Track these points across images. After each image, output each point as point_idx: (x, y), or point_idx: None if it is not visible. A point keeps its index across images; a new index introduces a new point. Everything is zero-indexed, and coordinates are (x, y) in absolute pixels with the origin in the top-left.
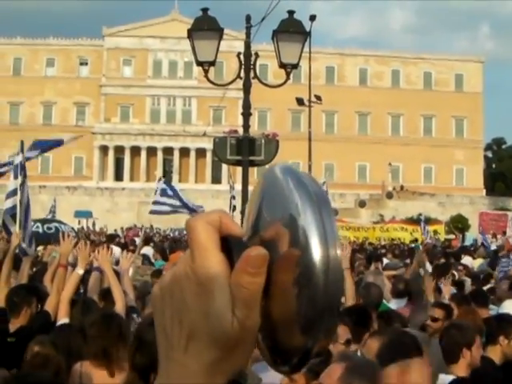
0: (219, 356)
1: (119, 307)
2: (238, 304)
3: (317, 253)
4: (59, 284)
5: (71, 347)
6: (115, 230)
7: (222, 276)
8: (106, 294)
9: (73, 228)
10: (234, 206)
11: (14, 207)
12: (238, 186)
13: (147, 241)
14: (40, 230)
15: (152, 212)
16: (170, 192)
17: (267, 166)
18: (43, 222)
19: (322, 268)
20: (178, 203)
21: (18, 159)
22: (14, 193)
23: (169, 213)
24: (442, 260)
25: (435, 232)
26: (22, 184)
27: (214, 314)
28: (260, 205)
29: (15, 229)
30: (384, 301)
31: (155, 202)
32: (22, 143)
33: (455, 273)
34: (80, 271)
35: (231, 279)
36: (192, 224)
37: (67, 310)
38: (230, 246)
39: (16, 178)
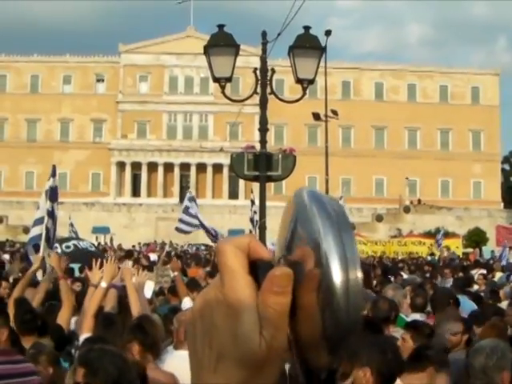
0: (247, 376)
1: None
2: (266, 324)
3: (337, 276)
4: (68, 297)
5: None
6: (133, 246)
7: (250, 298)
8: (122, 307)
9: (93, 244)
10: (257, 221)
11: (39, 237)
12: (255, 201)
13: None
14: (59, 251)
15: (177, 229)
16: (191, 211)
17: (284, 182)
18: (60, 241)
19: (343, 291)
20: (197, 222)
21: (49, 184)
22: (40, 221)
23: (189, 232)
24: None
25: (448, 247)
26: (52, 209)
27: (242, 335)
28: (290, 229)
29: (38, 256)
30: (403, 315)
31: (181, 220)
32: (54, 168)
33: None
34: (104, 285)
35: (258, 300)
36: (222, 248)
37: (91, 325)
38: (258, 270)
39: (51, 201)
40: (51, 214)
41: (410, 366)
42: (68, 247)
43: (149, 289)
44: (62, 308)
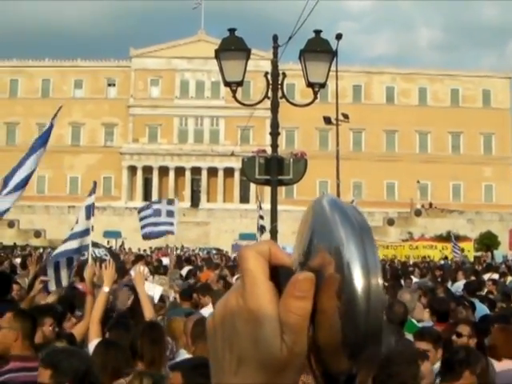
0: (268, 379)
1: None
2: (287, 330)
3: (359, 283)
4: (90, 313)
5: (107, 364)
6: (144, 250)
7: (271, 303)
8: (134, 312)
9: (108, 248)
10: (263, 226)
11: (76, 250)
12: (266, 205)
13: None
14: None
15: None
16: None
17: (295, 186)
18: None
19: (364, 297)
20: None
21: (91, 201)
22: (78, 235)
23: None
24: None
25: (463, 250)
26: (91, 226)
27: (263, 339)
28: (309, 236)
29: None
30: (413, 320)
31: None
32: (95, 184)
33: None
34: (106, 289)
35: (280, 305)
36: (244, 254)
37: (98, 331)
38: (279, 275)
39: (88, 218)
40: (88, 231)
41: (445, 376)
42: (83, 255)
43: (156, 293)
44: (81, 321)
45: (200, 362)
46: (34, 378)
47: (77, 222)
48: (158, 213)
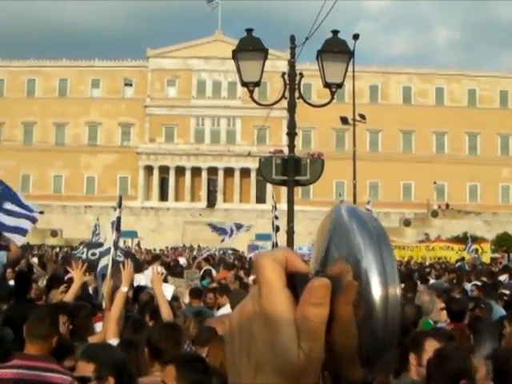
0: None
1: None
2: (304, 336)
3: (377, 291)
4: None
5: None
6: (161, 250)
7: (288, 310)
8: (154, 313)
9: (123, 252)
10: (277, 227)
11: (106, 267)
12: (282, 206)
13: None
14: (84, 256)
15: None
16: None
17: (311, 186)
18: (89, 246)
19: (382, 305)
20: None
21: (116, 215)
22: (107, 252)
23: None
24: (484, 278)
25: (478, 250)
26: (117, 240)
27: (280, 346)
28: (328, 244)
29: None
30: (429, 320)
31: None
32: (121, 198)
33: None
34: (124, 289)
35: (297, 312)
36: (260, 262)
37: (115, 330)
38: (295, 282)
39: (117, 231)
40: (115, 245)
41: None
42: (94, 254)
43: (168, 292)
44: (98, 334)
45: (194, 357)
46: (32, 377)
47: (105, 240)
48: None
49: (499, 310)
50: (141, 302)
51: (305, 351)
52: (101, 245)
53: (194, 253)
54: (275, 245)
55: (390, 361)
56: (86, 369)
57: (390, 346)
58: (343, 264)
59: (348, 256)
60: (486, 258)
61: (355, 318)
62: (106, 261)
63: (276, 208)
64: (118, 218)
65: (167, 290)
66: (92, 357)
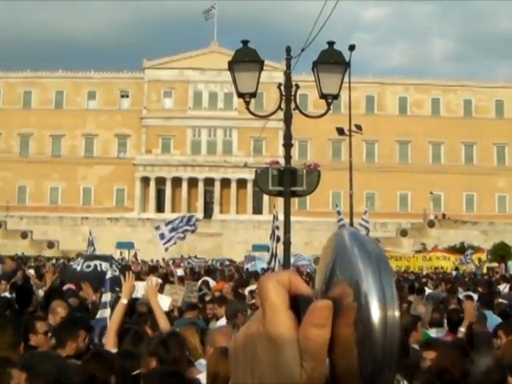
0: None
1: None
2: (306, 357)
3: (376, 315)
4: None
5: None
6: (157, 261)
7: (291, 331)
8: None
9: (119, 266)
10: (278, 237)
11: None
12: (279, 217)
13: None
14: (78, 268)
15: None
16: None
17: (308, 197)
18: (85, 258)
19: (381, 329)
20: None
21: (110, 273)
22: (104, 305)
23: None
24: (480, 289)
25: (480, 260)
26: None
27: (283, 366)
28: (331, 268)
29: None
30: (427, 331)
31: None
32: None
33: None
34: (124, 301)
35: (299, 333)
36: (264, 284)
37: (115, 341)
38: (299, 304)
39: (106, 292)
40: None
41: None
42: (88, 266)
43: (164, 304)
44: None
45: (172, 371)
46: None
47: (105, 291)
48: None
49: (495, 320)
50: (138, 313)
51: (307, 371)
52: (97, 257)
53: (186, 263)
54: (275, 255)
55: (390, 382)
56: (20, 377)
57: (390, 367)
58: (345, 286)
59: (349, 278)
60: (482, 268)
61: (355, 340)
62: (106, 313)
63: (277, 218)
64: (112, 278)
65: (163, 301)
66: (25, 366)
